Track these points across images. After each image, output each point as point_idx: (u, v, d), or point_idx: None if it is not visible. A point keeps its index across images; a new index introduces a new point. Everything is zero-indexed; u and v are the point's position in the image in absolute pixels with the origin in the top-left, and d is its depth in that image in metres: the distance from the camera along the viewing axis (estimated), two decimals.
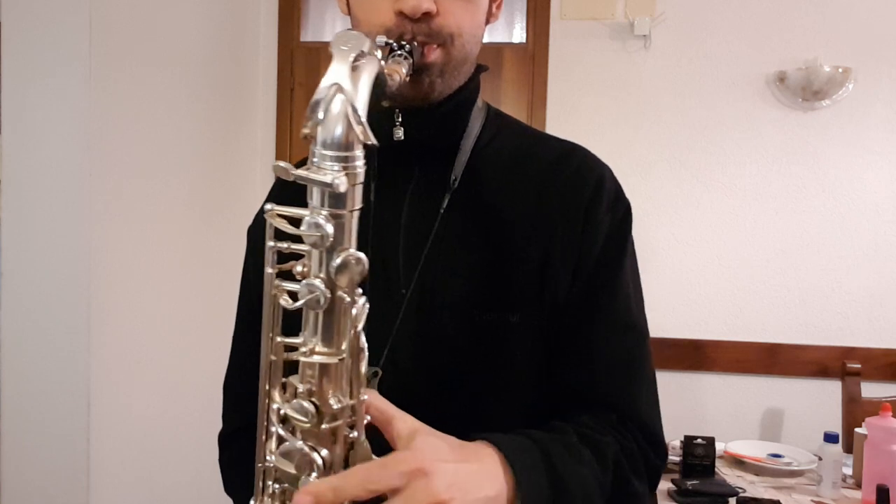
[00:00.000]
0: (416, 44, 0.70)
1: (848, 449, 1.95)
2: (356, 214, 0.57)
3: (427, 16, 0.70)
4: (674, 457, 1.87)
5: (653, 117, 2.56)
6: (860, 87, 2.47)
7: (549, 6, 2.58)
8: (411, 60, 0.68)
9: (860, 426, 1.86)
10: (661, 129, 2.56)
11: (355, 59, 0.56)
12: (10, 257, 1.61)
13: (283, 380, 0.60)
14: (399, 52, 0.68)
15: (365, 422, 0.60)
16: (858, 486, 1.76)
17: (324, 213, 0.55)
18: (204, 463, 2.04)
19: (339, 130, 0.55)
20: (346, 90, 0.55)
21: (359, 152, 0.56)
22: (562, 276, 0.75)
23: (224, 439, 0.89)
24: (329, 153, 0.55)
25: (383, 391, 0.63)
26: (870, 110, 2.48)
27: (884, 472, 1.61)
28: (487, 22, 0.79)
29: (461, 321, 0.75)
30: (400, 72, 0.65)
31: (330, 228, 0.54)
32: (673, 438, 1.95)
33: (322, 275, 0.56)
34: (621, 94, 2.57)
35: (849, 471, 1.84)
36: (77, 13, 1.59)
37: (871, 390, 2.19)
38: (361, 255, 0.56)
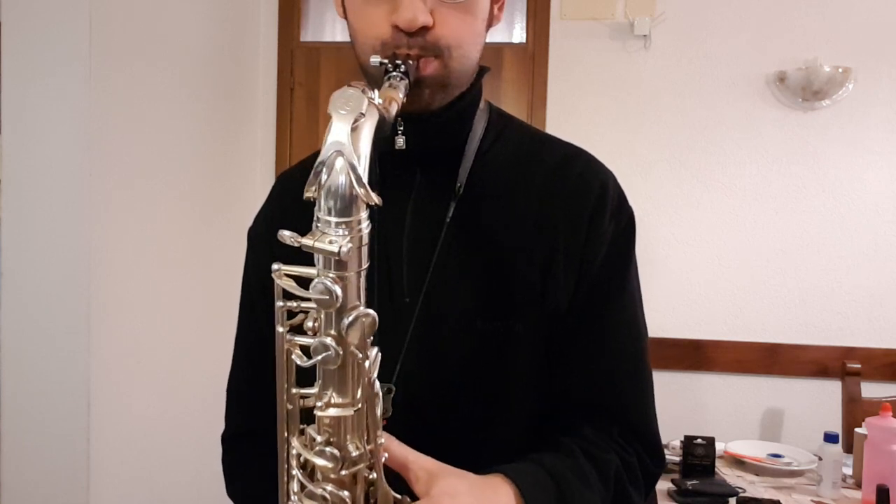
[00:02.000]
0: (410, 62, 0.69)
1: (848, 449, 1.95)
2: (363, 272, 0.58)
3: (423, 29, 0.69)
4: (674, 457, 1.87)
5: (653, 117, 2.56)
6: (860, 87, 2.47)
7: (549, 6, 2.58)
8: (407, 80, 0.67)
9: (860, 426, 1.86)
10: (661, 129, 2.56)
11: (355, 121, 0.56)
12: (10, 257, 1.61)
13: (302, 426, 0.61)
14: (394, 73, 0.67)
15: (383, 460, 0.62)
16: (858, 486, 1.76)
17: (331, 275, 0.56)
18: (204, 463, 2.05)
19: (342, 196, 0.55)
20: (346, 153, 0.55)
21: (364, 214, 0.57)
22: (564, 285, 0.75)
23: (227, 441, 0.89)
24: (333, 219, 0.56)
25: (393, 404, 0.64)
26: (870, 110, 2.48)
27: (884, 472, 1.61)
28: (490, 25, 0.78)
29: (466, 330, 0.74)
30: (396, 98, 0.64)
31: (338, 290, 0.55)
32: (673, 438, 1.96)
33: (333, 332, 0.57)
34: (621, 94, 2.57)
35: (849, 471, 1.84)
36: (77, 13, 1.59)
37: (871, 390, 2.19)
38: (371, 311, 0.57)
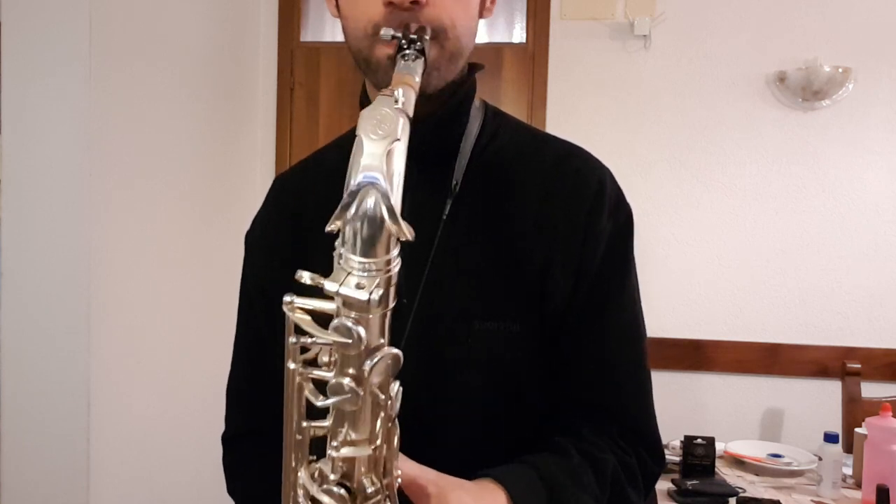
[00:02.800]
0: (426, 37, 0.65)
1: (848, 449, 1.95)
2: (390, 312, 0.51)
3: (416, 4, 0.66)
4: (674, 457, 1.87)
5: (653, 117, 2.56)
6: (860, 87, 2.47)
7: (549, 6, 2.58)
8: (423, 59, 0.63)
9: (860, 426, 1.86)
10: (661, 129, 2.56)
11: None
12: (10, 257, 1.61)
13: (312, 457, 0.56)
14: (409, 50, 0.63)
15: (397, 485, 0.58)
16: (858, 486, 1.76)
17: (353, 314, 0.49)
18: (204, 463, 2.05)
19: (371, 234, 0.49)
20: (379, 185, 0.49)
21: (395, 252, 0.51)
22: (562, 284, 0.74)
23: (227, 442, 0.90)
24: (363, 260, 0.49)
25: None
26: (870, 110, 2.48)
27: (884, 472, 1.61)
28: (481, 16, 0.76)
29: (463, 330, 0.74)
30: (412, 83, 0.59)
31: (362, 331, 0.48)
32: (673, 438, 1.96)
33: (352, 371, 0.50)
34: (621, 94, 2.57)
35: (849, 471, 1.84)
36: (77, 13, 1.59)
37: (871, 390, 2.19)
38: (395, 350, 0.51)
